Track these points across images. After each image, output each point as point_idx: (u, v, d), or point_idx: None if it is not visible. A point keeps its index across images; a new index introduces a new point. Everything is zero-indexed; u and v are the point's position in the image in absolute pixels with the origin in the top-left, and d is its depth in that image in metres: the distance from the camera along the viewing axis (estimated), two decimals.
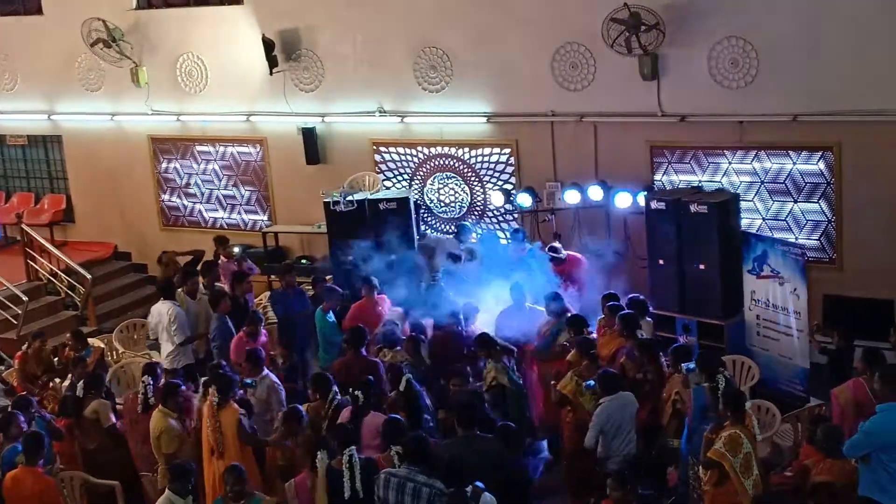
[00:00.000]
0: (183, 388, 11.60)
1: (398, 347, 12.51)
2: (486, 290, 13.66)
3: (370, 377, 11.09)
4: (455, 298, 13.44)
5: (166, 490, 9.67)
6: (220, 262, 15.90)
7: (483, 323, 13.08)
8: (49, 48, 19.91)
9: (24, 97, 20.56)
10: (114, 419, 11.93)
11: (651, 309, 13.17)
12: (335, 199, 15.34)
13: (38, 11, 20.16)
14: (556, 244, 14.67)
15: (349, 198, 15.32)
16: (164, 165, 19.78)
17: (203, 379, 11.92)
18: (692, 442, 10.14)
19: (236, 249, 16.87)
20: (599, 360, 11.61)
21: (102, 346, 15.16)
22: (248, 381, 11.49)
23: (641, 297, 12.87)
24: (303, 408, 11.11)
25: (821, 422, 10.24)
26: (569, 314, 12.47)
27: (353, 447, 9.41)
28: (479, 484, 8.67)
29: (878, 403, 9.41)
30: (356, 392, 10.68)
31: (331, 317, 13.75)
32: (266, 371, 12.00)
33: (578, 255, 14.70)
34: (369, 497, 9.20)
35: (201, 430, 11.12)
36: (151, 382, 11.79)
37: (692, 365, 10.55)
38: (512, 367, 11.79)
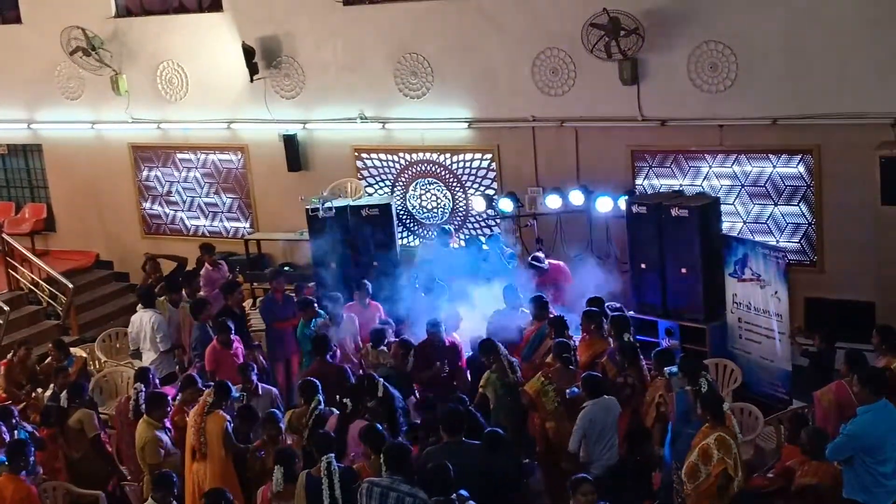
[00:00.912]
0: (169, 397, 11.61)
1: (382, 347, 12.53)
2: (465, 295, 13.72)
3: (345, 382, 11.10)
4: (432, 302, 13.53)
5: (149, 499, 9.65)
6: (204, 269, 15.85)
7: (471, 326, 13.12)
8: (28, 57, 19.83)
9: (4, 106, 20.45)
10: (98, 428, 11.88)
11: (632, 313, 13.20)
12: (314, 205, 15.33)
13: (17, 20, 20.07)
14: (539, 254, 14.63)
15: (328, 204, 15.31)
16: (145, 173, 19.73)
17: (178, 384, 11.92)
18: (675, 446, 10.17)
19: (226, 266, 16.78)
20: (579, 365, 11.65)
21: (85, 355, 15.11)
22: (236, 394, 11.46)
23: (618, 305, 12.94)
24: (286, 415, 11.16)
25: (800, 421, 10.31)
26: (551, 316, 12.53)
27: (332, 455, 9.38)
28: (463, 492, 8.66)
29: (858, 406, 9.46)
30: (344, 400, 10.67)
31: (309, 327, 13.72)
32: (260, 384, 12.06)
33: (561, 264, 14.72)
34: None
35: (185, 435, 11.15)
36: (143, 389, 11.74)
37: (675, 369, 10.58)
38: (513, 380, 11.59)
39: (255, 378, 12.04)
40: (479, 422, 10.40)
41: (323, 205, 15.28)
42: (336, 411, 10.90)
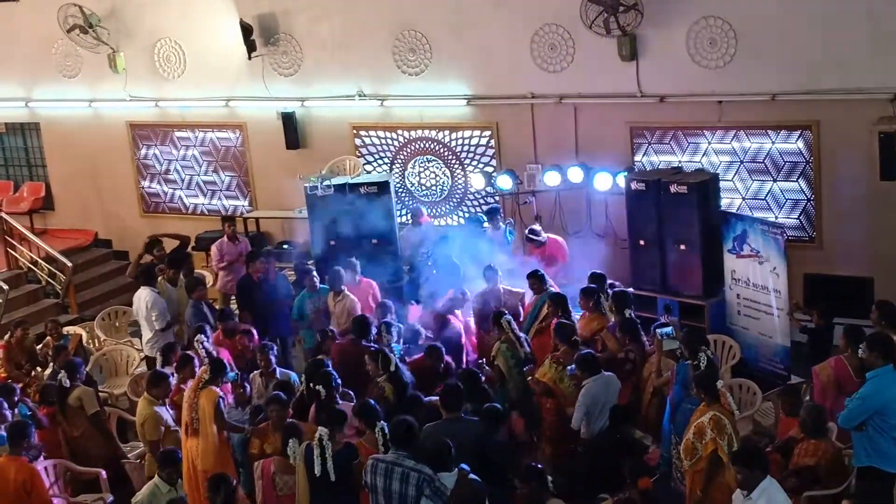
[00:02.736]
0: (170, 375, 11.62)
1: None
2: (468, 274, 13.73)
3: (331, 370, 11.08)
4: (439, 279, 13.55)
5: (155, 476, 9.66)
6: (219, 241, 15.85)
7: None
8: (25, 34, 19.77)
9: (1, 84, 20.39)
10: (98, 406, 11.89)
11: (631, 290, 13.22)
12: (312, 183, 15.32)
13: None
14: (536, 227, 14.65)
15: (326, 182, 15.30)
16: (143, 152, 19.70)
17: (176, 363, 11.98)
18: (675, 419, 10.18)
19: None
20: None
21: (81, 332, 15.11)
22: (232, 374, 11.46)
23: (616, 283, 12.96)
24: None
25: (792, 393, 10.35)
26: (549, 288, 12.55)
27: (325, 429, 9.37)
28: (464, 466, 8.70)
29: (866, 372, 9.48)
30: (316, 386, 10.61)
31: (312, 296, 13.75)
32: (278, 368, 12.01)
33: (559, 238, 14.73)
34: (343, 480, 9.17)
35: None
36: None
37: (668, 329, 10.62)
38: (522, 354, 11.64)
39: (273, 361, 11.94)
40: (487, 392, 10.47)
41: (321, 182, 15.26)
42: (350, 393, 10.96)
